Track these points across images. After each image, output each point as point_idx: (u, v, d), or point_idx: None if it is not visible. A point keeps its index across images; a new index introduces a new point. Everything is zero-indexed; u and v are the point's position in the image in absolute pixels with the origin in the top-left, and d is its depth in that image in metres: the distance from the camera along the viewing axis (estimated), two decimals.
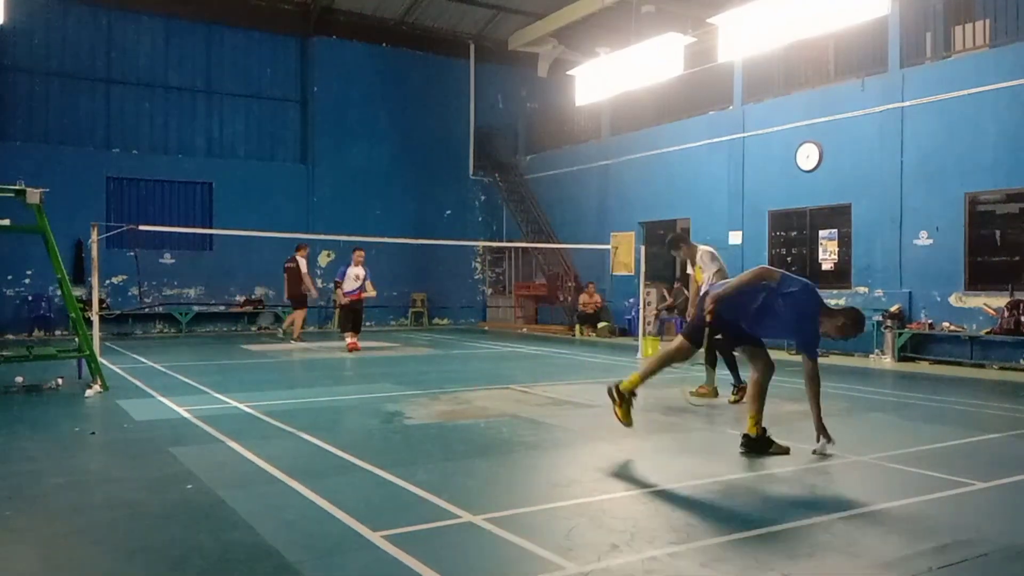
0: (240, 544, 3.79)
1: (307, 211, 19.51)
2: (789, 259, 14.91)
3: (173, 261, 18.07)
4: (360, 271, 13.57)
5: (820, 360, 6.26)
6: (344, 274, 13.57)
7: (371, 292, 13.97)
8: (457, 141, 21.82)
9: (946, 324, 12.26)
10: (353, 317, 13.71)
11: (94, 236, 10.82)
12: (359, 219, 19.03)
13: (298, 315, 15.10)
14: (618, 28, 18.55)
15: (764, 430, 5.82)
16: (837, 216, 14.01)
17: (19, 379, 8.91)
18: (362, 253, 13.83)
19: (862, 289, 13.54)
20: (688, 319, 8.00)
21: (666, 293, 17.21)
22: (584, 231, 18.64)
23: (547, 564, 3.53)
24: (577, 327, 18.21)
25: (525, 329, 19.90)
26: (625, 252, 13.98)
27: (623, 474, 5.29)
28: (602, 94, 16.19)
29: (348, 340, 13.45)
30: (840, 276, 13.98)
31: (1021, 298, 11.40)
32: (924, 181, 12.64)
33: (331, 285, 19.39)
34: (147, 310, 17.46)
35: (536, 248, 19.47)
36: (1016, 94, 11.54)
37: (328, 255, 19.53)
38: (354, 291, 13.52)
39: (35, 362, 8.90)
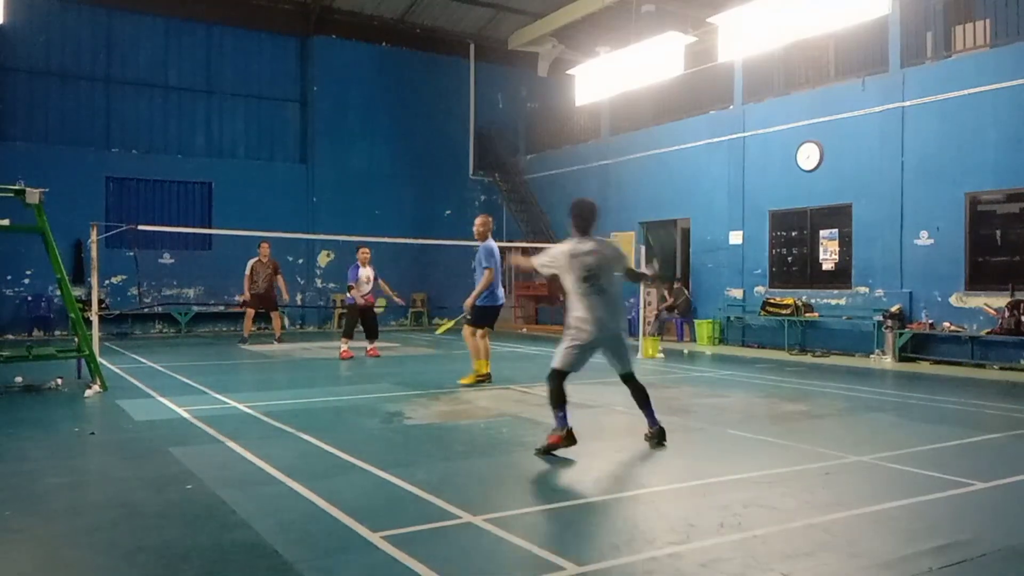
0: (240, 544, 3.79)
1: (307, 211, 19.51)
2: (790, 259, 14.92)
3: (172, 261, 18.06)
4: (369, 271, 12.81)
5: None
6: (356, 277, 12.72)
7: (396, 299, 13.41)
8: (457, 141, 21.81)
9: (946, 324, 12.26)
10: (366, 322, 12.95)
11: (94, 236, 10.82)
12: (359, 219, 19.00)
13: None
14: (618, 28, 18.54)
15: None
16: (837, 216, 14.01)
17: (18, 379, 8.91)
18: (367, 251, 13.00)
19: (862, 289, 13.54)
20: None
21: (666, 293, 17.23)
22: None
23: (547, 564, 3.53)
24: None
25: (525, 329, 19.90)
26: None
27: (623, 474, 5.29)
28: (602, 94, 16.19)
29: (344, 346, 12.56)
30: (840, 276, 13.98)
31: (1021, 298, 11.39)
32: (924, 181, 12.64)
33: (331, 285, 19.54)
34: (147, 310, 17.45)
35: (536, 248, 19.43)
36: (1016, 94, 11.53)
37: (328, 255, 19.53)
38: (365, 293, 12.81)
39: (35, 362, 8.88)
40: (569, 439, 5.77)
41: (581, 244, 5.91)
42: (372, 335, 13.17)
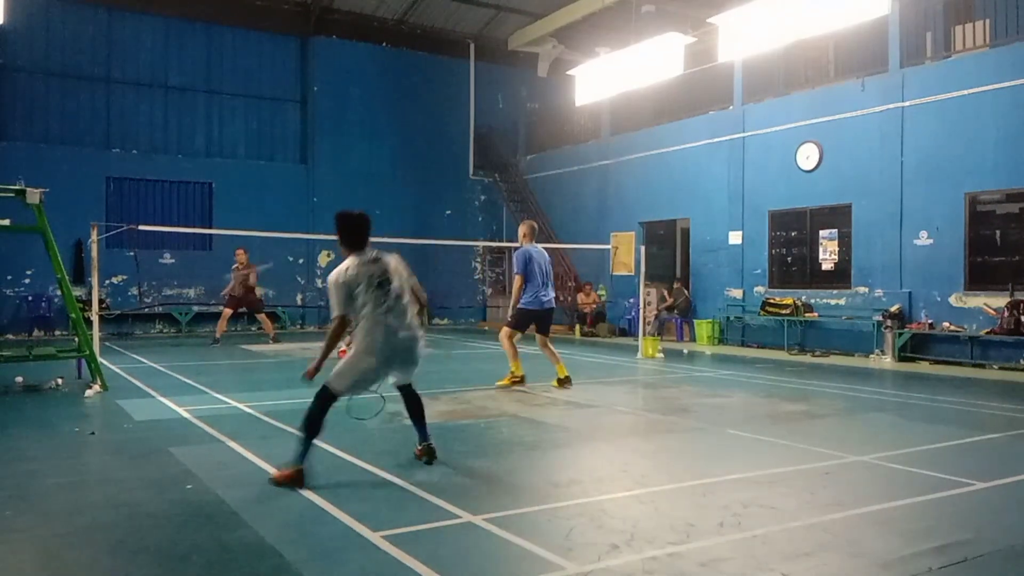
0: (240, 544, 3.79)
1: (307, 211, 19.51)
2: (789, 259, 14.92)
3: (173, 261, 18.05)
4: None
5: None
6: None
7: None
8: (457, 141, 21.81)
9: (946, 324, 12.26)
10: None
11: (94, 236, 10.82)
12: None
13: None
14: (618, 28, 18.54)
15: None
16: (837, 216, 14.01)
17: (19, 379, 8.91)
18: None
19: (862, 289, 13.54)
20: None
21: (666, 293, 17.23)
22: (584, 231, 18.63)
23: (547, 564, 3.53)
24: (577, 327, 18.22)
25: None
26: (625, 252, 13.96)
27: (623, 474, 5.29)
28: (602, 94, 16.18)
29: (343, 346, 12.80)
30: (840, 276, 13.98)
31: (1021, 298, 11.39)
32: (924, 181, 12.64)
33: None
34: (147, 310, 17.45)
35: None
36: (1016, 94, 11.53)
37: (328, 255, 19.51)
38: None
39: (35, 362, 8.89)
40: (298, 479, 4.84)
41: (360, 257, 5.29)
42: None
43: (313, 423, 5.02)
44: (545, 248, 9.68)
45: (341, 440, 6.14)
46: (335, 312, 5.18)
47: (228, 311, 15.02)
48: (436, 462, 5.42)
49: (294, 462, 4.91)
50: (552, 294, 9.26)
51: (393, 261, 5.39)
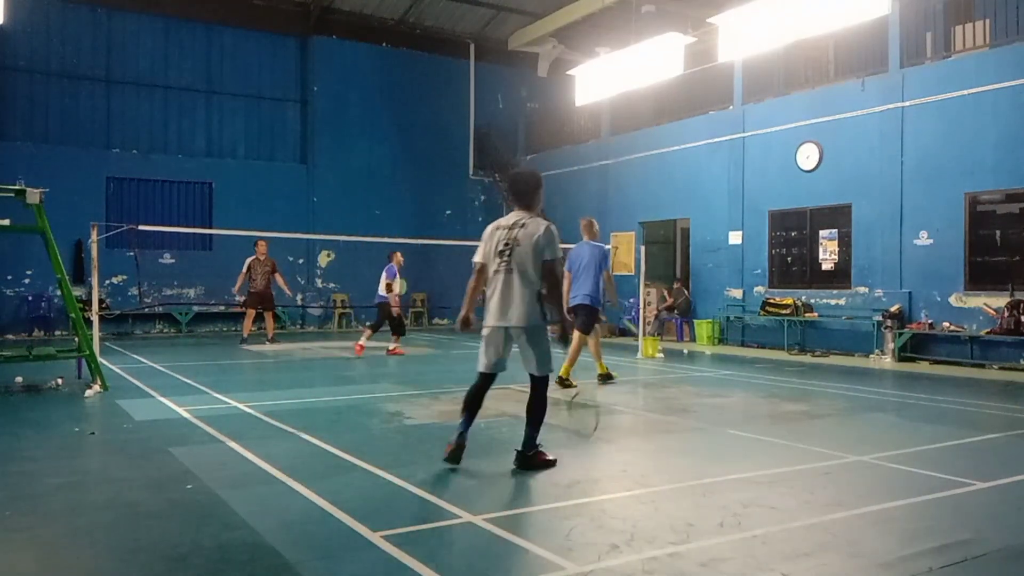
0: (240, 544, 3.79)
1: (307, 211, 19.50)
2: (789, 259, 14.93)
3: (173, 261, 18.05)
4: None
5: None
6: (394, 275, 12.95)
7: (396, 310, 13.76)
8: (457, 141, 21.80)
9: (946, 324, 12.26)
10: (392, 320, 13.21)
11: (94, 236, 10.82)
12: (359, 219, 19.01)
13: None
14: (618, 28, 18.54)
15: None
16: (837, 216, 14.01)
17: (19, 379, 8.92)
18: (400, 256, 13.33)
19: (862, 289, 13.54)
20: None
21: (666, 293, 17.23)
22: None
23: (547, 564, 3.53)
24: None
25: None
26: (625, 252, 13.96)
27: (623, 474, 5.29)
28: (602, 94, 16.19)
29: (362, 340, 12.97)
30: (840, 276, 13.98)
31: (1021, 298, 11.39)
32: (924, 181, 12.64)
33: (331, 285, 19.58)
34: (147, 310, 17.45)
35: None
36: (1016, 94, 11.53)
37: (328, 255, 19.52)
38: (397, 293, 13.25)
39: (35, 362, 8.88)
40: (454, 453, 5.18)
41: (509, 217, 5.29)
42: (399, 331, 13.37)
43: (467, 398, 5.37)
44: None
45: (341, 440, 6.14)
46: (475, 257, 5.40)
47: (252, 312, 15.01)
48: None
49: (452, 437, 5.27)
50: (581, 291, 9.08)
51: (529, 233, 5.12)
